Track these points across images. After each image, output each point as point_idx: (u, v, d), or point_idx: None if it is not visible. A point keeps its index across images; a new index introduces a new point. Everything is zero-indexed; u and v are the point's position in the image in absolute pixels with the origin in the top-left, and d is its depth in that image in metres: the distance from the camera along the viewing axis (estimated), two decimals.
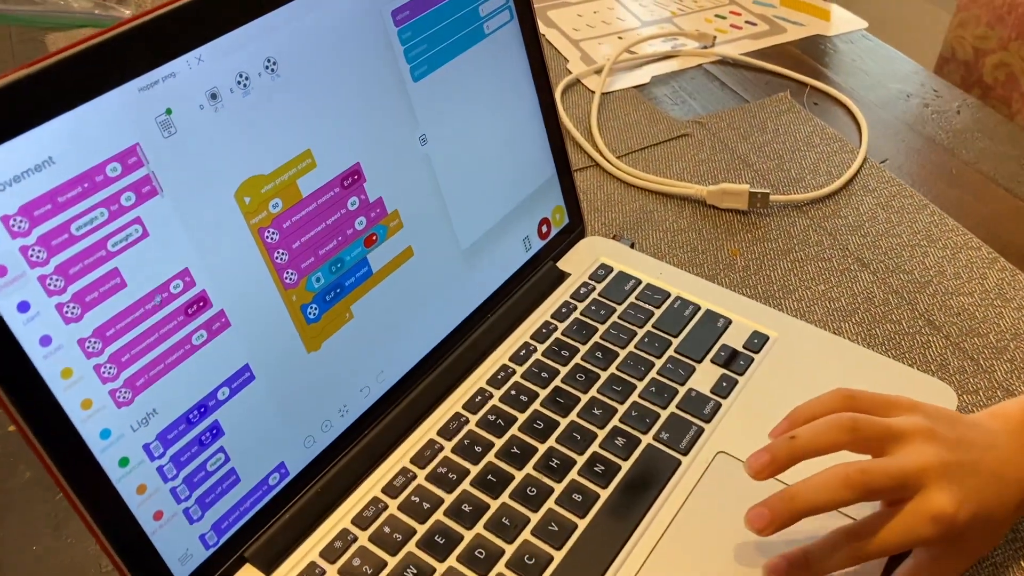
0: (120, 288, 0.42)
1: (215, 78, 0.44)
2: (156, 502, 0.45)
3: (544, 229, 0.67)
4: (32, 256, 0.39)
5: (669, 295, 0.65)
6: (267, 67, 0.46)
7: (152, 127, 0.42)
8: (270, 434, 0.50)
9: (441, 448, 0.55)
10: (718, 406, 0.57)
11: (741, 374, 0.59)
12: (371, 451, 0.55)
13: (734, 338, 0.62)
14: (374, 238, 0.54)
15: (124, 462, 0.43)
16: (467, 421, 0.56)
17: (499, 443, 0.55)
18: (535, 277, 0.66)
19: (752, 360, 0.60)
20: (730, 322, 0.63)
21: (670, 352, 0.61)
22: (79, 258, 0.40)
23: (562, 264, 0.68)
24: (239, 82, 0.45)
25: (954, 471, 0.44)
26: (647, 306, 0.64)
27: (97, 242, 0.41)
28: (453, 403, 0.58)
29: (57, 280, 0.40)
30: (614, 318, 0.63)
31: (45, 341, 0.40)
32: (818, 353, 0.61)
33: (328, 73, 0.49)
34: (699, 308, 0.64)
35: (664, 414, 0.57)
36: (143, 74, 0.42)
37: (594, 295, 0.65)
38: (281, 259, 0.49)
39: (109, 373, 0.42)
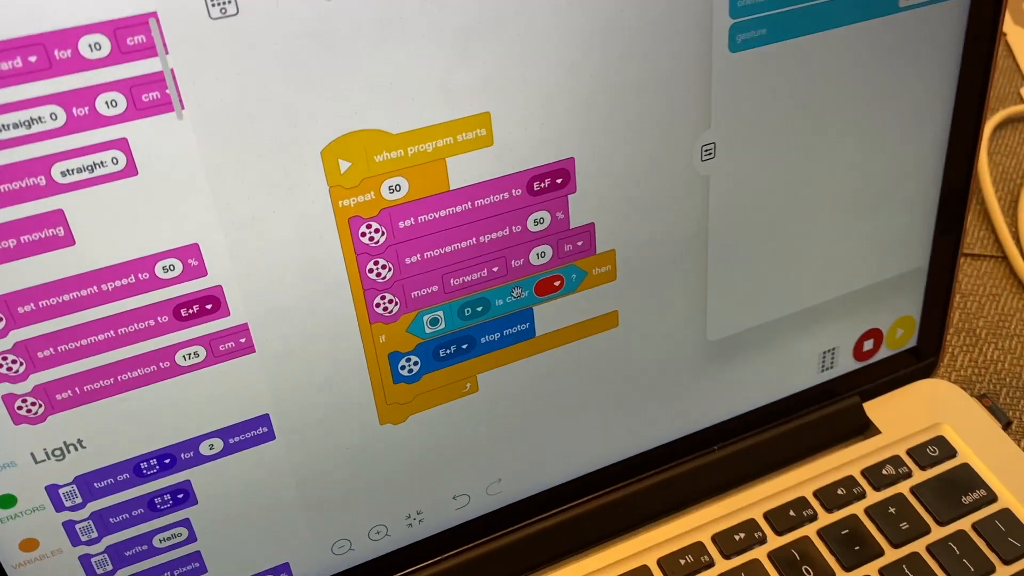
0: (59, 244, 0.24)
1: None
2: (50, 570, 0.29)
3: (867, 346, 0.41)
4: None
5: None
6: None
7: None
8: (277, 521, 0.31)
9: None
10: None
11: None
12: None
13: None
14: (556, 284, 0.32)
15: (8, 501, 0.27)
16: None
17: None
18: (819, 414, 0.40)
19: None
20: None
21: None
22: None
23: (873, 409, 0.41)
24: None
25: None
26: (987, 550, 0.36)
27: (32, 160, 0.23)
28: (592, 571, 0.35)
29: None
30: (920, 546, 0.36)
31: None
32: None
33: None
34: None
35: None
36: None
37: (903, 487, 0.38)
38: (378, 275, 0.29)
39: (10, 368, 0.25)
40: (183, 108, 0.24)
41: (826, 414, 0.40)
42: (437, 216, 0.28)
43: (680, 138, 0.31)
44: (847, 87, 0.33)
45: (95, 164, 0.24)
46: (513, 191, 0.29)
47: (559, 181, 0.30)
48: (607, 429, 0.36)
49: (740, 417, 0.39)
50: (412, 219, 0.28)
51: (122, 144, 0.24)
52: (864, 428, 0.41)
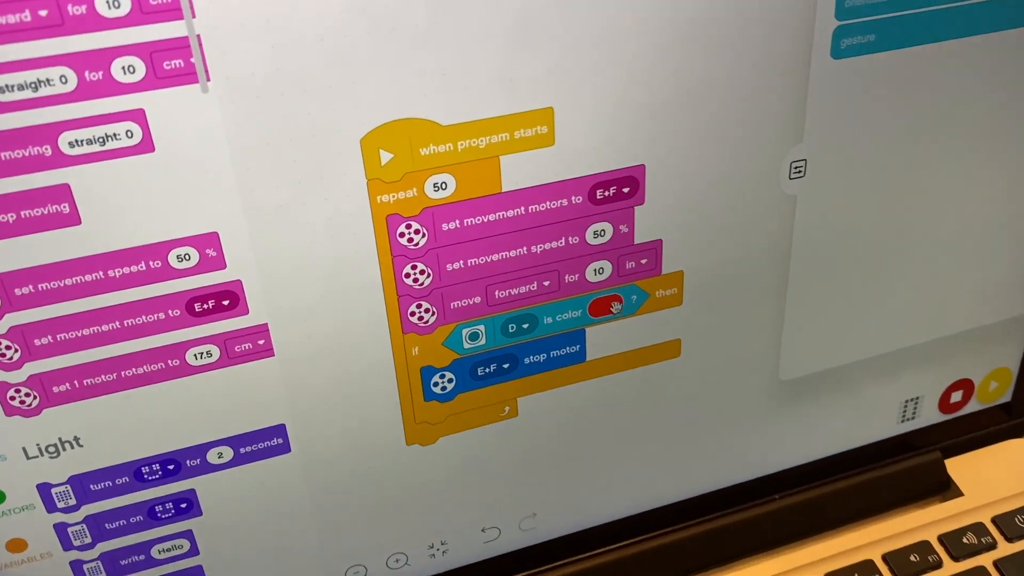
0: (64, 223, 0.22)
1: None
2: (38, 574, 0.26)
3: (955, 398, 0.36)
4: None
5: None
6: None
7: None
8: (287, 540, 0.29)
9: None
10: None
11: None
12: None
13: None
14: (613, 305, 0.28)
15: None
16: None
17: None
18: (895, 468, 0.36)
19: None
20: None
21: None
22: None
23: (956, 467, 0.37)
24: None
25: None
26: None
27: (38, 127, 0.21)
28: None
29: None
30: None
31: None
32: None
33: None
34: None
35: None
36: None
37: (986, 560, 0.34)
38: (415, 280, 0.26)
39: (3, 355, 0.23)
40: (208, 80, 0.21)
41: (903, 469, 0.36)
42: (485, 220, 0.25)
43: (767, 152, 0.27)
44: (962, 107, 0.29)
45: (107, 136, 0.21)
46: (573, 198, 0.26)
47: (625, 190, 0.26)
48: (657, 469, 0.32)
49: (806, 465, 0.35)
50: (457, 221, 0.25)
51: (138, 116, 0.21)
52: (944, 487, 0.37)
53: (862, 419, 0.35)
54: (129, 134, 0.21)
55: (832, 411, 0.34)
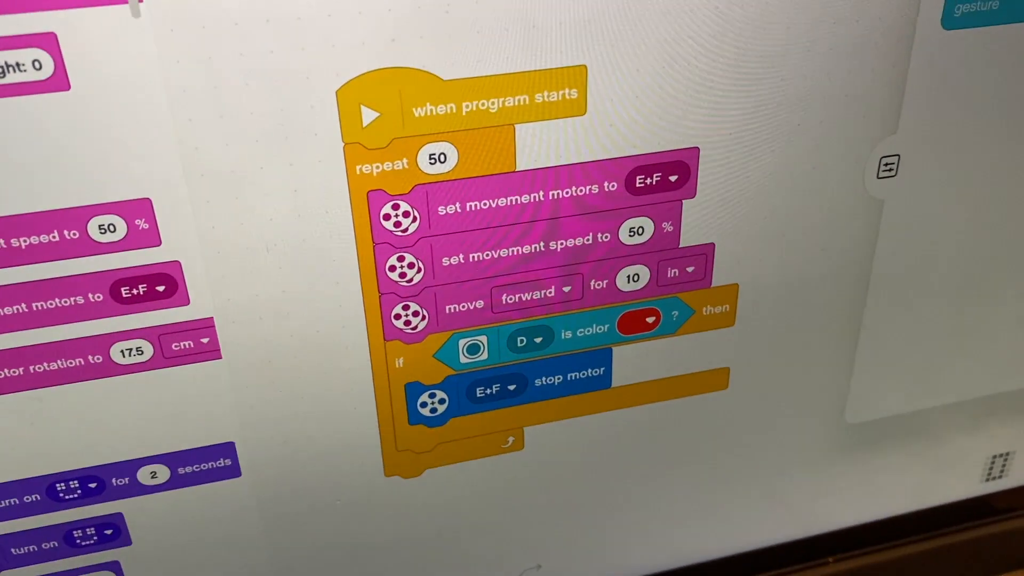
0: None
1: None
2: None
3: None
4: None
5: None
6: None
7: None
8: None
9: None
10: None
11: None
12: None
13: None
14: (649, 320, 0.23)
15: None
16: None
17: None
18: (973, 534, 0.30)
19: None
20: None
21: None
22: None
23: None
24: None
25: None
26: None
27: None
28: None
29: None
30: None
31: None
32: None
33: None
34: None
35: None
36: None
37: None
38: (402, 275, 0.21)
39: None
40: (141, 0, 0.17)
41: (983, 535, 0.30)
42: (493, 205, 0.20)
43: (853, 143, 0.22)
44: None
45: (8, 65, 0.16)
46: (606, 184, 0.21)
47: (673, 179, 0.21)
48: (690, 520, 0.27)
49: (868, 526, 0.29)
50: (457, 204, 0.20)
51: (49, 41, 0.16)
52: None
53: (939, 475, 0.29)
54: (37, 65, 0.17)
55: (904, 463, 0.28)
